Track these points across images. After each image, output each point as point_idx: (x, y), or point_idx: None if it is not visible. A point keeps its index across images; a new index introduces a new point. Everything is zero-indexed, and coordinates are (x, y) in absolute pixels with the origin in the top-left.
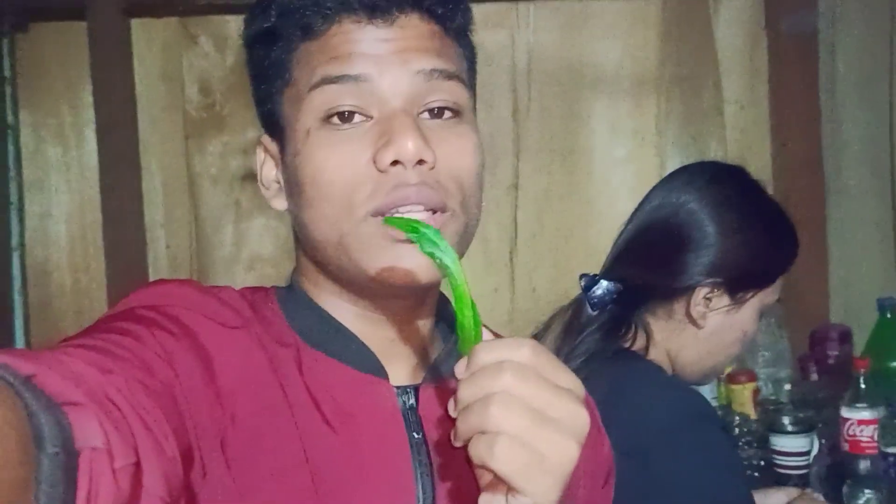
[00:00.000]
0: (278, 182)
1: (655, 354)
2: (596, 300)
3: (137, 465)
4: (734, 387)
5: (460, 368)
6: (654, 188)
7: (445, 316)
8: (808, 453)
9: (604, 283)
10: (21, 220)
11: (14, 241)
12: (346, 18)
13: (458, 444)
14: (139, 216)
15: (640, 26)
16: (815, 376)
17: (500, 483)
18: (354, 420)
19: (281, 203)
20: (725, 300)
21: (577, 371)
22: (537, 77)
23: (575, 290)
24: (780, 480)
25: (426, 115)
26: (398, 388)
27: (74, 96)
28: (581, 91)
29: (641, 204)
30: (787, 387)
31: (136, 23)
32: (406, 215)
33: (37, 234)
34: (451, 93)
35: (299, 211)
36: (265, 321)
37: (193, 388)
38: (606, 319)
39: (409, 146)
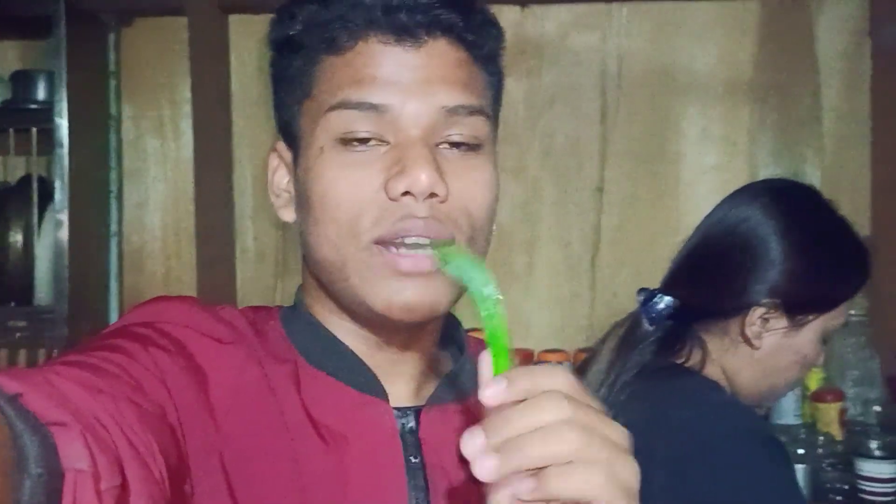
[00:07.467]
0: (289, 192)
1: (712, 372)
2: (655, 315)
3: (123, 486)
4: (820, 405)
5: (490, 393)
6: (719, 203)
7: (454, 338)
8: (895, 481)
9: (665, 298)
10: (119, 209)
11: (112, 227)
12: (373, 37)
13: (490, 478)
14: (230, 208)
15: (736, 30)
16: None
17: None
18: (349, 441)
19: (289, 214)
20: (783, 322)
21: (627, 385)
22: (627, 80)
23: None
24: None
25: (445, 145)
26: (398, 409)
27: (173, 90)
28: (672, 96)
29: (704, 219)
30: (877, 408)
31: (233, 19)
32: (411, 248)
33: (133, 222)
34: (473, 128)
35: (306, 227)
36: (264, 338)
37: (186, 405)
38: (661, 335)
39: (422, 178)
